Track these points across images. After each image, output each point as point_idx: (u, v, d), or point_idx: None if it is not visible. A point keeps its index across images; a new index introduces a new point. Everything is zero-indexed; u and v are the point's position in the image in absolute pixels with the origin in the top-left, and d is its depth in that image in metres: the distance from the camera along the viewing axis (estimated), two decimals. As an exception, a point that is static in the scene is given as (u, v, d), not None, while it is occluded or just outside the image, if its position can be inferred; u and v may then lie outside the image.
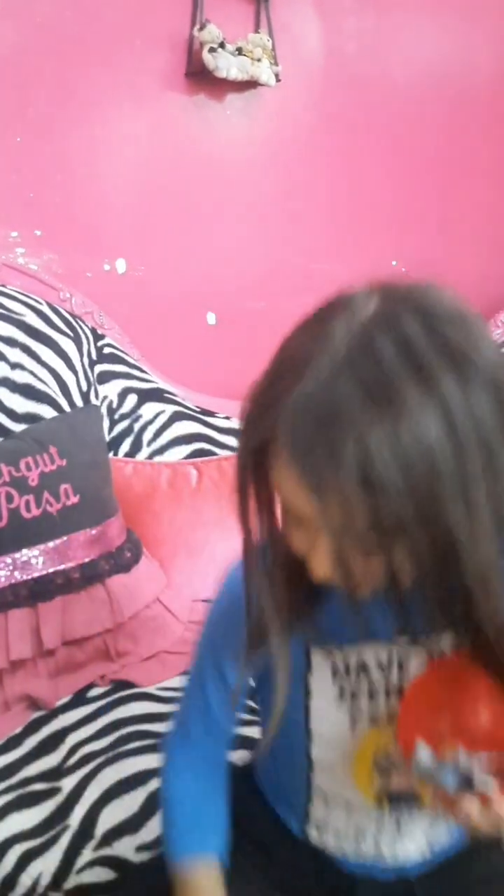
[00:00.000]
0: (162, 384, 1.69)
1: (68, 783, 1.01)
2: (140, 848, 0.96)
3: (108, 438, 1.57)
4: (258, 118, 1.94)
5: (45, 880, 0.96)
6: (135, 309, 1.82)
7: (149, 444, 1.61)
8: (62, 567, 1.21)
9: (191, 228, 1.92)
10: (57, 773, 1.03)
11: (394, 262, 2.31)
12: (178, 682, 1.22)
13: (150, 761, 1.04)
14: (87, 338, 1.59)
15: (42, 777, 1.02)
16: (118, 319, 1.71)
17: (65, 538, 1.22)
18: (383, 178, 2.23)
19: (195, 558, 1.49)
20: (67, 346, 1.50)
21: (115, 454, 1.58)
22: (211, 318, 1.98)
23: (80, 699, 1.16)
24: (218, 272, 1.97)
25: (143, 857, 0.95)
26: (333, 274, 2.18)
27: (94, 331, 1.63)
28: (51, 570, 1.20)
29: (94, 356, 1.59)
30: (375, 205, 2.22)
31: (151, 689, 1.19)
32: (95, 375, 1.58)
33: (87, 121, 1.70)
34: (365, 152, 2.17)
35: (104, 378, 1.60)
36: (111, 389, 1.60)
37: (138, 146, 1.79)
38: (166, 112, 1.80)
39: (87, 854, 0.96)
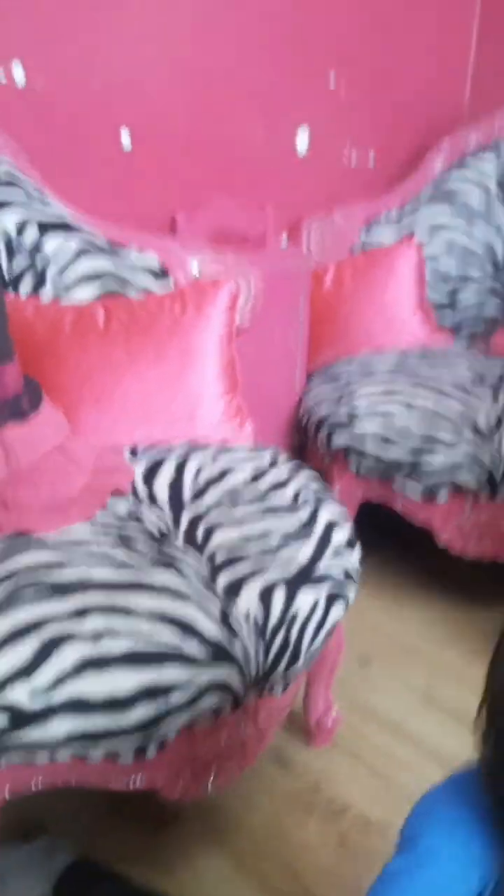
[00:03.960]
0: (67, 214, 1.54)
1: (-41, 635, 1.00)
2: (34, 693, 0.97)
3: (5, 276, 1.44)
4: None
5: None
6: (34, 125, 1.63)
7: (53, 282, 1.50)
8: (-50, 416, 1.14)
9: (99, 28, 1.69)
10: None
11: (331, 73, 2.11)
12: (78, 530, 1.20)
13: (45, 609, 1.04)
14: (-22, 158, 1.43)
15: None
16: (14, 137, 1.53)
17: (-48, 385, 1.15)
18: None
19: (104, 404, 1.43)
20: (-47, 167, 1.34)
21: (15, 292, 1.47)
22: (125, 137, 1.79)
23: (-27, 551, 1.13)
24: (133, 81, 1.77)
25: (38, 703, 0.97)
26: (258, 85, 1.98)
27: (-14, 150, 1.46)
28: None
29: (-14, 180, 1.43)
30: (309, 8, 1.99)
31: (49, 538, 1.17)
32: (-11, 203, 1.43)
33: None
34: None
35: (-1, 206, 1.45)
36: (8, 219, 1.45)
37: None
38: None
39: (-20, 703, 0.96)
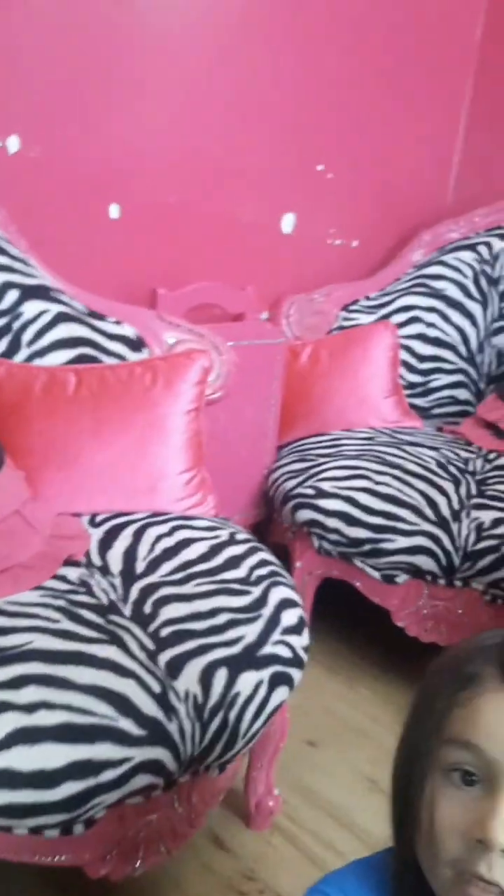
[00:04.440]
0: (48, 281, 1.59)
1: None
2: (-37, 763, 0.97)
3: (-19, 337, 1.49)
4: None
5: None
6: (26, 194, 1.69)
7: (28, 345, 1.54)
8: None
9: (100, 105, 1.77)
10: None
11: (319, 167, 2.20)
12: (26, 595, 1.20)
13: (-13, 675, 1.04)
14: (-34, 224, 1.48)
15: None
16: (6, 205, 1.59)
17: None
18: (312, 71, 2.08)
19: (67, 470, 1.45)
20: None
21: (-10, 353, 1.50)
22: (114, 211, 1.86)
23: None
24: (126, 158, 1.84)
25: (-35, 772, 0.96)
26: (249, 171, 2.06)
27: (-25, 216, 1.51)
28: None
29: (-28, 245, 1.48)
30: (302, 101, 2.09)
31: (-3, 604, 1.17)
32: (-28, 267, 1.47)
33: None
34: (295, 40, 2.02)
35: (-19, 270, 1.49)
36: (-11, 283, 1.50)
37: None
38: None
39: None
